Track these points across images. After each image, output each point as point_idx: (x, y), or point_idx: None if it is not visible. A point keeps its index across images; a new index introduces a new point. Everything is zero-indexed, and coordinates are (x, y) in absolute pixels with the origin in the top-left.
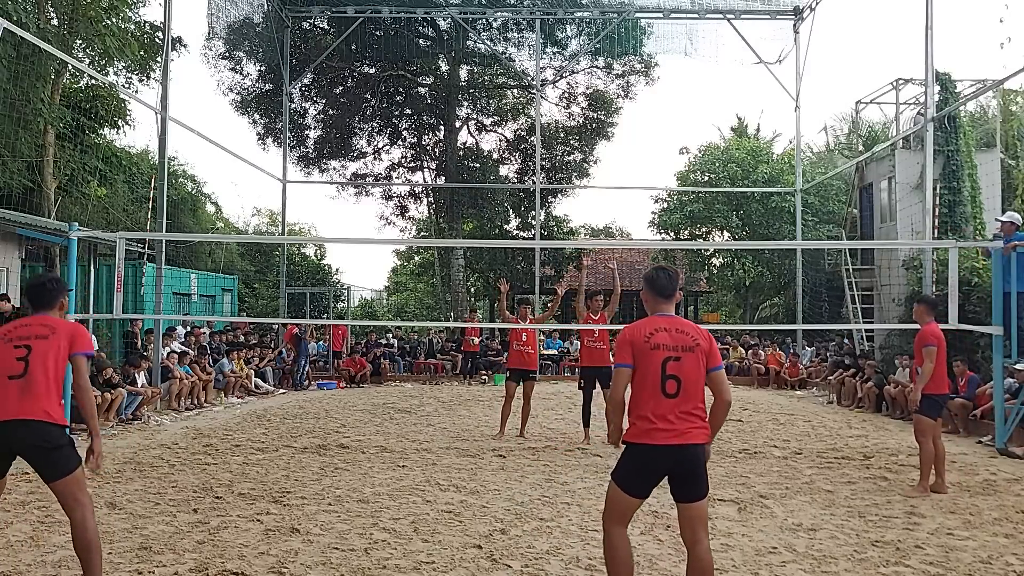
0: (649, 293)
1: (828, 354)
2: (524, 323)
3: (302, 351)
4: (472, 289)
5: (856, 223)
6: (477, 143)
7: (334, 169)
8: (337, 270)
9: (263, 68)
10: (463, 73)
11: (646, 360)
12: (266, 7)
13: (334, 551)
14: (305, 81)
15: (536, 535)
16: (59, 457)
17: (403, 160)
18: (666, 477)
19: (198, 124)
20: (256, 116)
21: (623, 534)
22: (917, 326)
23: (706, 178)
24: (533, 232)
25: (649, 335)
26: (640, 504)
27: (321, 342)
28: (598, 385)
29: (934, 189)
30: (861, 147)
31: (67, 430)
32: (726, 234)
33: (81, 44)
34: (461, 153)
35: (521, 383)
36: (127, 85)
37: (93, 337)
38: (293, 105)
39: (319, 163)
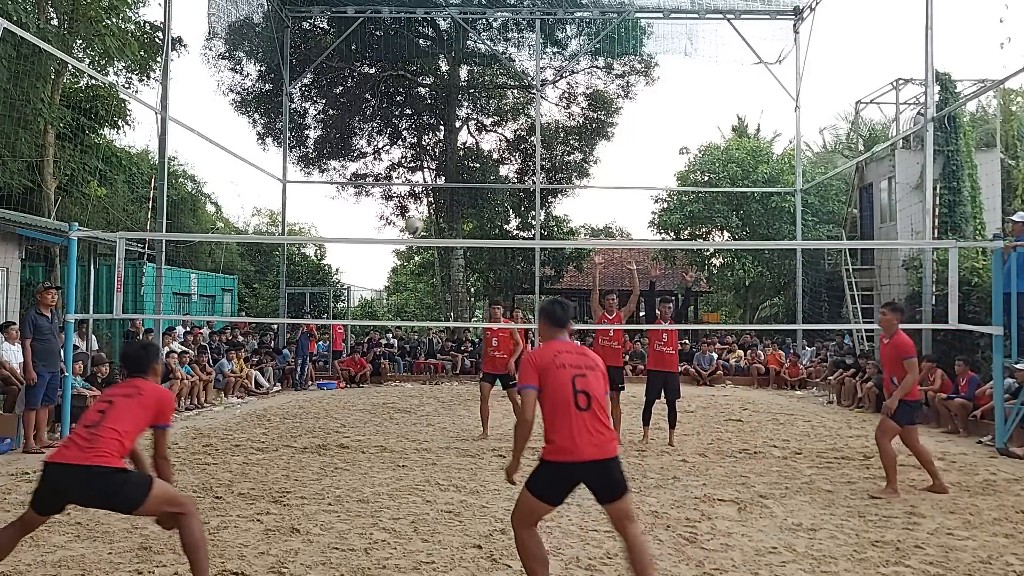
0: (546, 323)
1: (828, 354)
2: (511, 324)
3: (301, 351)
4: (472, 289)
5: (856, 223)
6: (477, 143)
7: (334, 169)
8: (337, 270)
9: (263, 68)
10: (463, 73)
11: (555, 379)
12: (266, 7)
13: (334, 551)
14: (305, 81)
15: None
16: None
17: (403, 160)
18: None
19: (198, 124)
20: (256, 116)
21: (534, 533)
22: (917, 326)
23: (706, 178)
24: (533, 232)
25: (555, 355)
26: (548, 511)
27: (321, 342)
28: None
29: (934, 189)
30: (861, 147)
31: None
32: (726, 234)
33: (81, 44)
34: (461, 153)
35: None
36: (127, 85)
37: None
38: (293, 105)
39: (319, 163)
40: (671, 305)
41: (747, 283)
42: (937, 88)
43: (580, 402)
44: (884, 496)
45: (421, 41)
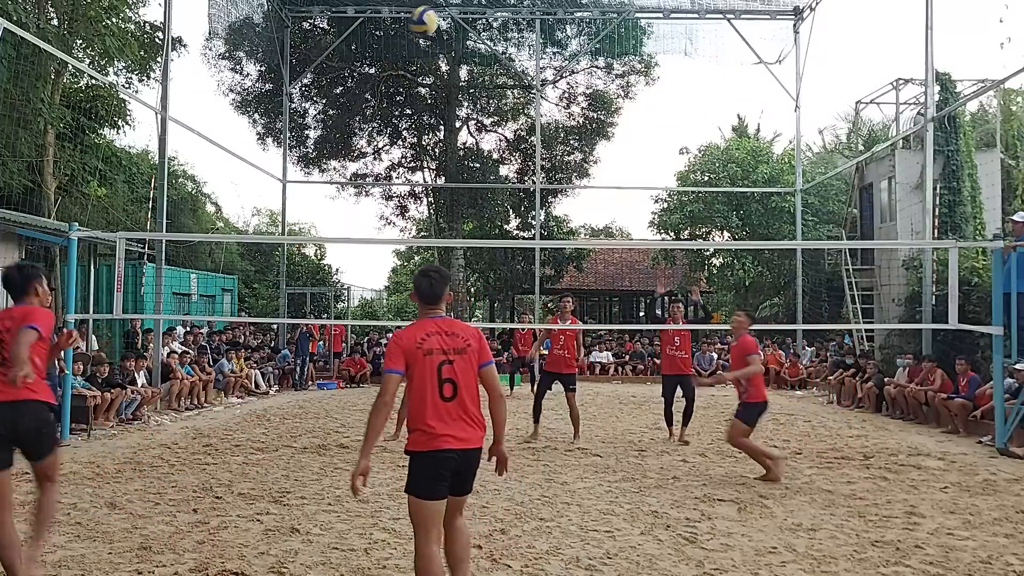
0: (417, 298)
1: (828, 354)
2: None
3: (301, 351)
4: (472, 289)
5: (856, 223)
6: (477, 143)
7: (334, 169)
8: (337, 270)
9: (263, 68)
10: (463, 73)
11: (420, 366)
12: (266, 7)
13: (334, 551)
14: (305, 81)
15: (536, 535)
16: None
17: (403, 160)
18: None
19: (198, 124)
20: (256, 116)
21: (435, 553)
22: (917, 326)
23: (706, 178)
24: (533, 232)
25: (421, 341)
26: (443, 506)
27: (321, 342)
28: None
29: (934, 189)
30: (861, 147)
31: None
32: (726, 234)
33: (81, 44)
34: (461, 153)
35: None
36: (127, 85)
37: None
38: (293, 105)
39: (319, 163)
40: (681, 305)
41: (747, 283)
42: (937, 88)
43: (445, 392)
44: (769, 481)
45: (421, 41)
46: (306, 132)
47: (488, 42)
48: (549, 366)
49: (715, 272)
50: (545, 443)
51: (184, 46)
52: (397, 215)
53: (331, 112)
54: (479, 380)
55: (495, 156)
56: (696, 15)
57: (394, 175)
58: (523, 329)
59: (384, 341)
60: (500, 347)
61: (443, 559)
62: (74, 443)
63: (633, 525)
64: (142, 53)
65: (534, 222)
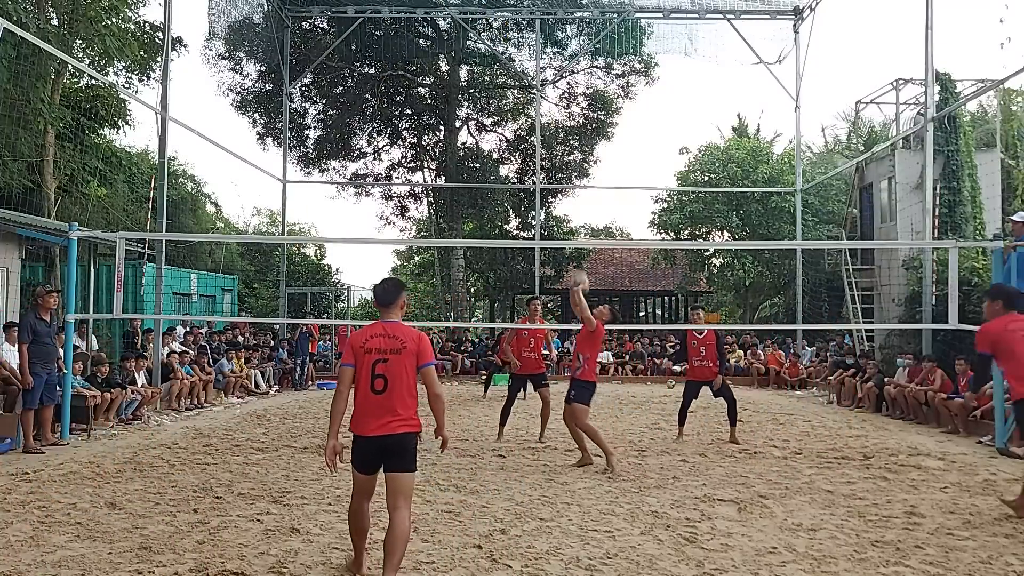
0: (375, 303)
1: (828, 354)
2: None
3: (301, 351)
4: (472, 289)
5: (856, 223)
6: (477, 143)
7: (334, 169)
8: (337, 270)
9: (263, 68)
10: (463, 73)
11: (361, 361)
12: (266, 7)
13: (334, 551)
14: (305, 81)
15: (536, 535)
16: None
17: (403, 160)
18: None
19: (198, 124)
20: (256, 116)
21: (363, 506)
22: (917, 326)
23: (706, 178)
24: (533, 232)
25: (365, 341)
26: (374, 480)
27: (321, 342)
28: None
29: (934, 189)
30: (861, 147)
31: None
32: (726, 234)
33: (81, 44)
34: (461, 153)
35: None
36: (127, 85)
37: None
38: (293, 105)
39: (319, 163)
40: (701, 312)
41: (747, 283)
42: (937, 88)
43: (376, 385)
44: (612, 472)
45: (421, 41)
46: (306, 132)
47: (488, 42)
48: (520, 370)
49: (715, 272)
50: (545, 443)
51: (184, 46)
52: (397, 215)
53: (331, 112)
54: (419, 379)
55: (495, 156)
56: (696, 15)
57: (394, 175)
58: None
59: None
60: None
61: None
62: (74, 443)
63: (633, 525)
64: (142, 53)
65: (534, 222)
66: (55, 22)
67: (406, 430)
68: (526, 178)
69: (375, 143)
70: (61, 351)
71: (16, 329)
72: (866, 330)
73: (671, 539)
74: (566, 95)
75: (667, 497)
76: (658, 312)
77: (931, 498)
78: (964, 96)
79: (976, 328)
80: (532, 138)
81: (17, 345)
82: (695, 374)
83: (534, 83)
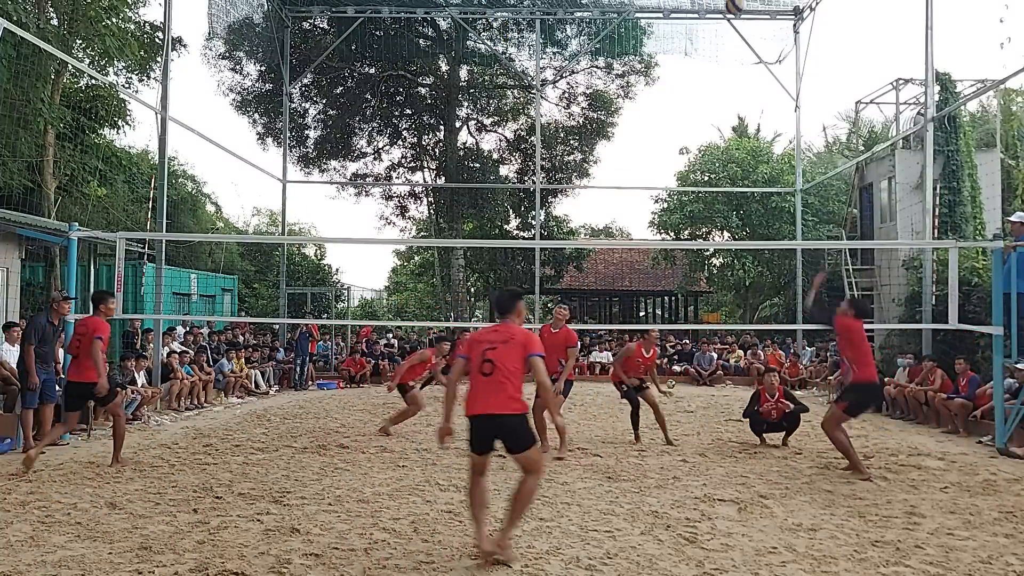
0: (495, 310)
1: (828, 354)
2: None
3: (301, 351)
4: (472, 289)
5: (856, 223)
6: (477, 143)
7: (334, 169)
8: (337, 270)
9: (263, 68)
10: (463, 73)
11: (473, 352)
12: (266, 7)
13: (334, 551)
14: (305, 81)
15: (536, 535)
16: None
17: (403, 160)
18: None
19: (198, 124)
20: (256, 116)
21: (480, 484)
22: (917, 326)
23: (706, 178)
24: (533, 232)
25: (481, 336)
26: (488, 460)
27: (322, 342)
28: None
29: (934, 189)
30: (861, 147)
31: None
32: (726, 234)
33: (81, 44)
34: (461, 153)
35: None
36: (127, 85)
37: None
38: (293, 105)
39: (319, 163)
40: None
41: (747, 283)
42: (937, 88)
43: (484, 368)
44: (560, 457)
45: (421, 41)
46: (306, 132)
47: (488, 42)
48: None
49: (715, 272)
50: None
51: (184, 46)
52: (397, 215)
53: (331, 112)
54: (527, 367)
55: (495, 156)
56: (696, 15)
57: (394, 175)
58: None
59: (383, 341)
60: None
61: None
62: (74, 443)
63: (633, 525)
64: (142, 53)
65: (534, 222)
66: (55, 22)
67: (514, 410)
68: (526, 178)
69: (375, 143)
70: (61, 351)
71: (16, 329)
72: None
73: (671, 539)
74: (566, 95)
75: (667, 497)
76: (658, 312)
77: (931, 498)
78: (964, 96)
79: (976, 328)
80: (532, 138)
81: (22, 345)
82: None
83: (534, 83)
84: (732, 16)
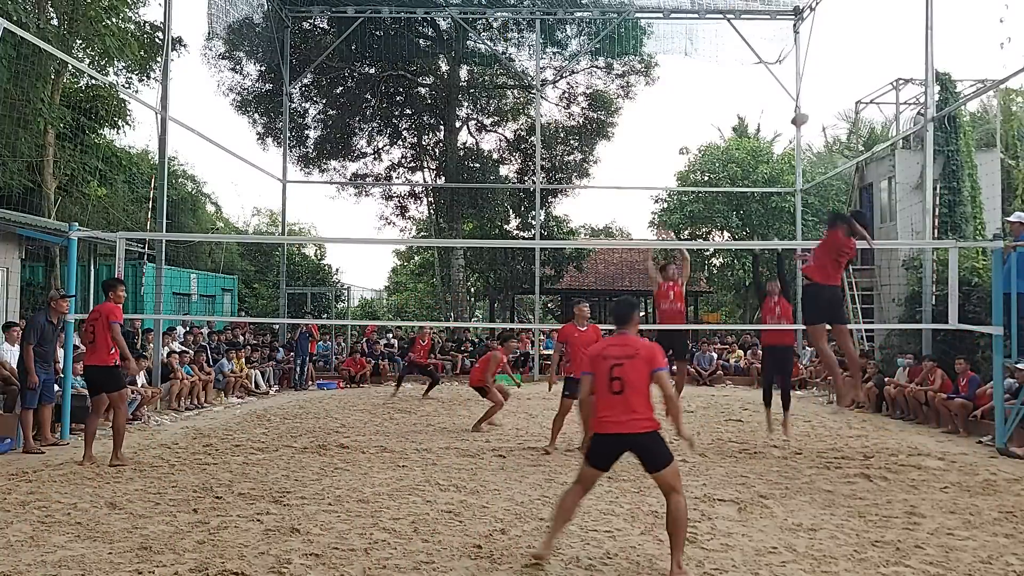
0: (613, 320)
1: None
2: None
3: (301, 351)
4: (472, 289)
5: None
6: (477, 143)
7: (334, 169)
8: (337, 270)
9: (263, 68)
10: (463, 73)
11: (598, 368)
12: (266, 7)
13: (334, 551)
14: (305, 81)
15: (536, 535)
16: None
17: (403, 160)
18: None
19: (198, 124)
20: (256, 116)
21: (578, 499)
22: (917, 326)
23: (706, 178)
24: (533, 232)
25: (603, 349)
26: (599, 476)
27: (322, 342)
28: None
29: (934, 189)
30: (861, 147)
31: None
32: (726, 234)
33: (81, 44)
34: (461, 153)
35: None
36: (127, 85)
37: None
38: (293, 105)
39: (319, 163)
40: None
41: (747, 283)
42: (937, 88)
43: (614, 387)
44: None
45: (421, 41)
46: (306, 132)
47: (488, 42)
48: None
49: (715, 272)
50: (545, 443)
51: (184, 46)
52: (397, 215)
53: (331, 112)
54: (651, 381)
55: (495, 156)
56: (696, 15)
57: (394, 175)
58: (423, 340)
59: (383, 341)
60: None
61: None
62: (74, 443)
63: (633, 525)
64: (142, 53)
65: (534, 222)
66: (55, 22)
67: (646, 428)
68: (526, 178)
69: (375, 143)
70: (61, 351)
71: (16, 329)
72: (866, 330)
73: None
74: (566, 95)
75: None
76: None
77: (931, 498)
78: (964, 96)
79: (976, 328)
80: (532, 138)
81: (21, 345)
82: (771, 337)
83: (534, 83)
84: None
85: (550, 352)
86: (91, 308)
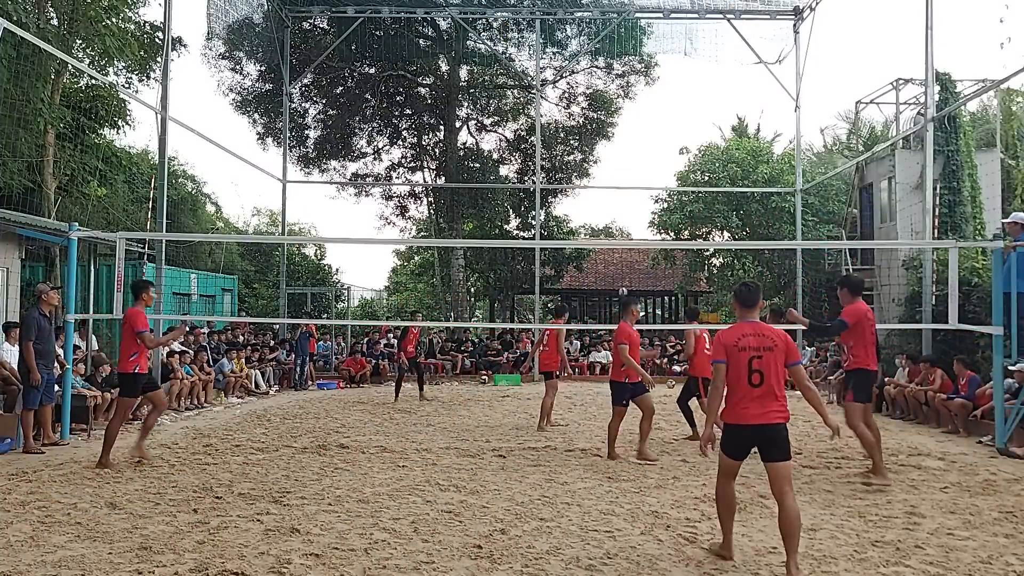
0: (737, 305)
1: (828, 354)
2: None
3: (301, 351)
4: (472, 289)
5: (856, 223)
6: (477, 143)
7: (334, 169)
8: (337, 270)
9: (263, 68)
10: (463, 73)
11: (734, 359)
12: (266, 7)
13: (334, 551)
14: (305, 81)
15: (536, 535)
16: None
17: (403, 160)
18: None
19: (198, 124)
20: (256, 116)
21: (731, 487)
22: (917, 326)
23: (706, 178)
24: (533, 232)
25: (738, 339)
26: (740, 465)
27: (322, 342)
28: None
29: (934, 189)
30: (861, 147)
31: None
32: (726, 234)
33: (81, 44)
34: (461, 153)
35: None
36: (127, 85)
37: (94, 337)
38: (293, 105)
39: (319, 163)
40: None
41: None
42: (937, 88)
43: (753, 379)
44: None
45: (421, 41)
46: (306, 132)
47: (488, 42)
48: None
49: (715, 272)
50: (545, 443)
51: (184, 46)
52: (397, 215)
53: (331, 112)
54: (789, 375)
55: (495, 156)
56: (696, 15)
57: (394, 175)
58: (415, 329)
59: (383, 341)
60: (500, 347)
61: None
62: (74, 443)
63: (633, 525)
64: (142, 53)
65: (534, 222)
66: (55, 22)
67: (782, 419)
68: (526, 178)
69: (375, 143)
70: (60, 351)
71: (16, 329)
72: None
73: (671, 539)
74: (566, 95)
75: (667, 497)
76: (658, 312)
77: (931, 498)
78: (964, 96)
79: (976, 328)
80: (532, 138)
81: (21, 343)
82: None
83: (534, 83)
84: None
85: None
86: (91, 308)
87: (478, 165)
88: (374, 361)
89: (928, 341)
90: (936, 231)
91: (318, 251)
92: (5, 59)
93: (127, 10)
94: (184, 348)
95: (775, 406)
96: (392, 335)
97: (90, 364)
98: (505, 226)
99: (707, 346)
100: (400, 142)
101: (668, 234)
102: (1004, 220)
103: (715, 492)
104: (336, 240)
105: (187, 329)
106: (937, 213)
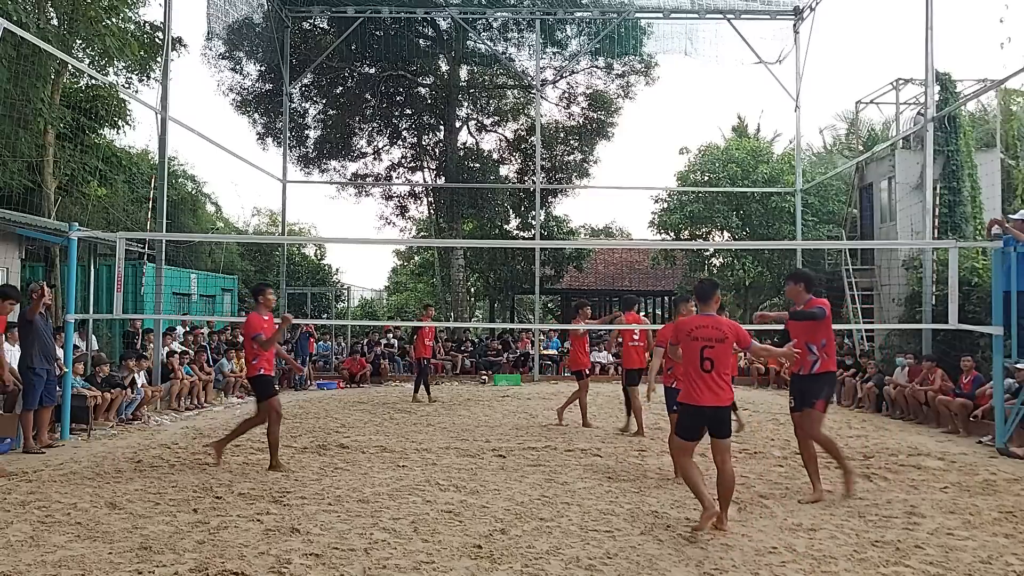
0: (696, 299)
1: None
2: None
3: (300, 351)
4: (472, 289)
5: (856, 223)
6: (477, 143)
7: (334, 169)
8: (337, 270)
9: (263, 68)
10: (463, 73)
11: (687, 347)
12: (266, 7)
13: (334, 551)
14: (305, 81)
15: (536, 535)
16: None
17: (403, 160)
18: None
19: (198, 124)
20: (256, 116)
21: (690, 461)
22: (917, 326)
23: (706, 178)
24: (533, 232)
25: (693, 329)
26: (694, 445)
27: (321, 342)
28: None
29: (934, 189)
30: (861, 147)
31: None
32: (726, 234)
33: (81, 44)
34: (461, 153)
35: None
36: (127, 85)
37: (94, 337)
38: (293, 105)
39: (319, 163)
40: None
41: (747, 283)
42: (937, 88)
43: (705, 366)
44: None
45: (421, 41)
46: (306, 132)
47: (488, 42)
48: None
49: (715, 272)
50: (545, 443)
51: (184, 46)
52: (397, 215)
53: (331, 112)
54: (748, 353)
55: (495, 156)
56: (696, 15)
57: (394, 175)
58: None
59: (384, 341)
60: (500, 347)
61: (713, 492)
62: (74, 443)
63: (633, 525)
64: (142, 53)
65: (534, 222)
66: (55, 22)
67: (728, 402)
68: (526, 178)
69: (375, 143)
70: (60, 351)
71: (16, 329)
72: (866, 330)
73: (671, 539)
74: (566, 95)
75: (667, 497)
76: (658, 312)
77: (931, 498)
78: (964, 96)
79: (976, 328)
80: (532, 138)
81: (22, 344)
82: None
83: (534, 83)
84: None
85: (551, 352)
86: (91, 309)
87: (478, 165)
88: (373, 360)
89: (928, 341)
90: (936, 231)
91: (318, 251)
92: (5, 59)
93: (127, 10)
94: (184, 348)
95: (724, 391)
96: (392, 335)
97: (90, 364)
98: (505, 226)
99: (634, 338)
100: (400, 142)
101: (668, 234)
102: (1013, 216)
103: (681, 474)
104: (336, 240)
105: (292, 319)
106: (937, 213)
